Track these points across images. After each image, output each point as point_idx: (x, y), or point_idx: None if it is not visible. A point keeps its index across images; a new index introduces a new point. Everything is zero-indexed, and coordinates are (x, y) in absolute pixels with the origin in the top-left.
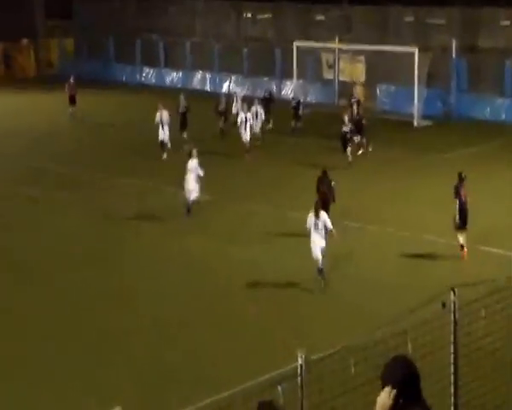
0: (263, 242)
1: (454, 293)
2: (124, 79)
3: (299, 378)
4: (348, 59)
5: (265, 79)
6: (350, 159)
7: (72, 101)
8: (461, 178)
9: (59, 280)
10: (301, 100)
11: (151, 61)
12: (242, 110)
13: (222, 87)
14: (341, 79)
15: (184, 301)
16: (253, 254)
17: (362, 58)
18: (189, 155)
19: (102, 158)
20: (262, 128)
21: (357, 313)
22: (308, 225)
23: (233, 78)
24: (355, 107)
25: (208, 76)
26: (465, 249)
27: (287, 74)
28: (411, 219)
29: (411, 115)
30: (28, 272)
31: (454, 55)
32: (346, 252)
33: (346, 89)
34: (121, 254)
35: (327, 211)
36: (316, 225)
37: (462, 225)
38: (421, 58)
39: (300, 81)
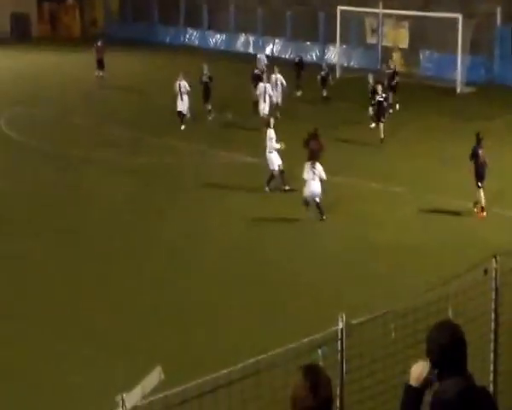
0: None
1: (496, 260)
2: (167, 40)
3: (338, 342)
4: (392, 24)
5: (308, 43)
6: (382, 135)
7: (100, 64)
8: (478, 139)
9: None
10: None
11: (195, 23)
12: (262, 81)
13: (265, 50)
14: (384, 44)
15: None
16: (290, 214)
17: (405, 23)
18: (267, 125)
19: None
20: (300, 90)
21: (397, 277)
22: (305, 177)
23: (276, 41)
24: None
25: (251, 39)
26: (483, 210)
27: (330, 39)
28: (452, 185)
29: (454, 82)
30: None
31: (498, 23)
32: (387, 218)
33: (388, 54)
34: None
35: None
36: (313, 174)
37: (480, 183)
38: (464, 24)
39: (343, 46)
